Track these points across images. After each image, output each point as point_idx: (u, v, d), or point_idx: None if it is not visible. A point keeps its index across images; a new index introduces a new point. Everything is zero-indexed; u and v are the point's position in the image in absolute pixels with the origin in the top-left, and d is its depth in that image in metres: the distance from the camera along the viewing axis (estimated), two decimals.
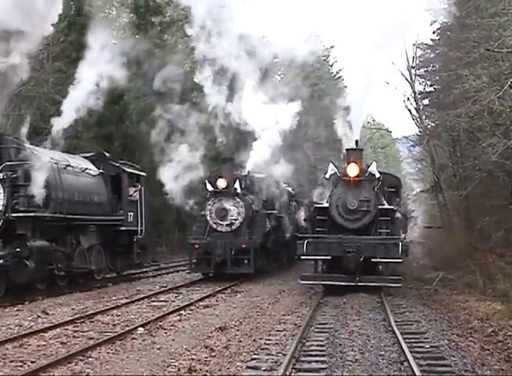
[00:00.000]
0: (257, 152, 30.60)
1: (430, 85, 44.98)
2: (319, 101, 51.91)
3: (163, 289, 25.42)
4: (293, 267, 34.52)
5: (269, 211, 32.20)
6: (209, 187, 29.72)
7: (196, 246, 29.05)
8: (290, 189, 37.20)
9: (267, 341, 14.96)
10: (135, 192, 29.62)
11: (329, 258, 23.97)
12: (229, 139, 33.45)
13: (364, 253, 23.38)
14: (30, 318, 17.75)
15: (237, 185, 29.70)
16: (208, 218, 29.46)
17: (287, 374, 11.87)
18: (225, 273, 28.34)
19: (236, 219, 29.49)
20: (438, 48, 40.93)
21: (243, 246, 28.73)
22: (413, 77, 46.63)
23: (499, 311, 18.89)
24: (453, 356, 13.48)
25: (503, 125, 26.19)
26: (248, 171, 31.74)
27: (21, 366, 12.29)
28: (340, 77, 59.73)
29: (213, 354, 13.61)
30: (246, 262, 28.82)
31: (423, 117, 46.06)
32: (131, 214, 29.18)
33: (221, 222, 29.45)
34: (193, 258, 29.54)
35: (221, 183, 29.63)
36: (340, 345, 14.57)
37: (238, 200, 29.70)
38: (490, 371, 12.26)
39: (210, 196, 29.75)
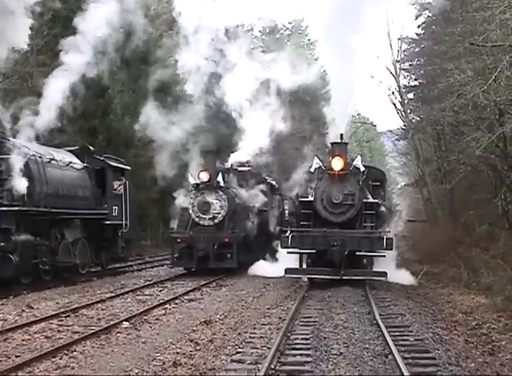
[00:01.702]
0: (243, 143, 30.46)
1: (415, 79, 45.09)
2: (304, 95, 51.90)
3: (147, 283, 25.39)
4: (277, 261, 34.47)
5: (253, 205, 31.89)
6: (191, 180, 29.43)
7: (179, 240, 28.76)
8: (273, 182, 37.05)
9: (252, 335, 14.98)
10: (119, 186, 29.51)
11: (314, 251, 24.08)
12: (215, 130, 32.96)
13: (348, 247, 23.48)
14: (14, 312, 17.69)
15: (220, 178, 29.36)
16: (191, 211, 29.10)
17: (272, 367, 11.88)
18: (208, 268, 28.02)
19: (218, 213, 29.14)
20: (422, 42, 40.99)
21: (226, 240, 28.45)
22: (398, 71, 46.69)
23: (483, 304, 19.00)
24: (437, 349, 13.54)
25: (488, 119, 26.28)
26: (231, 164, 31.61)
27: (5, 360, 12.24)
28: (325, 70, 59.76)
29: (198, 348, 13.60)
30: (228, 256, 28.58)
31: (408, 111, 46.10)
32: (116, 208, 29.10)
33: (204, 216, 29.08)
34: (175, 252, 29.20)
35: (204, 176, 29.23)
36: (324, 338, 14.62)
37: (221, 193, 29.36)
38: (474, 364, 12.31)
39: (192, 189, 29.46)
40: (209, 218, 29.12)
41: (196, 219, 29.12)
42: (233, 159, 31.51)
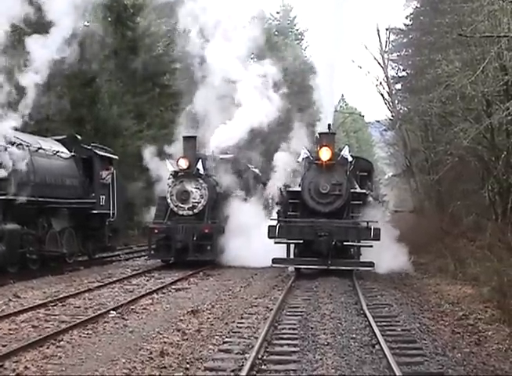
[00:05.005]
0: (226, 128, 29.79)
1: (403, 70, 45.09)
2: (292, 84, 51.87)
3: (135, 272, 25.33)
4: None
5: (235, 194, 30.84)
6: (170, 167, 28.26)
7: (156, 231, 27.57)
8: (256, 170, 36.53)
9: (239, 325, 15.01)
10: (107, 175, 29.40)
11: (302, 241, 24.11)
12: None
13: (336, 237, 23.50)
14: (1, 302, 17.65)
15: (200, 165, 28.07)
16: (169, 200, 27.95)
17: (259, 357, 11.91)
18: (186, 260, 26.93)
19: (198, 202, 27.96)
20: (410, 32, 40.96)
21: (206, 231, 27.29)
22: (386, 61, 46.77)
23: (470, 295, 19.07)
24: (424, 339, 13.61)
25: (475, 110, 26.37)
26: (212, 151, 30.43)
27: None
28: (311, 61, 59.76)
29: (185, 337, 13.63)
30: (208, 248, 27.42)
31: (396, 101, 46.20)
32: (103, 197, 29.01)
33: (183, 205, 27.93)
34: (153, 243, 27.96)
35: (183, 164, 27.92)
36: (312, 328, 14.65)
37: (201, 181, 28.13)
38: (460, 354, 12.37)
39: (170, 177, 28.29)
40: (188, 208, 27.99)
41: (175, 209, 28.00)
42: (214, 144, 30.31)
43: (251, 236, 26.84)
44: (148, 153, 30.16)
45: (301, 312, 16.72)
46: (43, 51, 23.85)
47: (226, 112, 30.36)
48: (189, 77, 31.46)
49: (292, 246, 24.56)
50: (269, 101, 30.80)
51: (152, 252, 28.24)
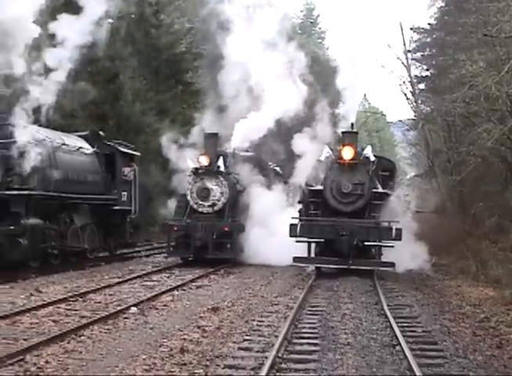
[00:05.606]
0: (247, 125, 29.36)
1: (427, 70, 44.93)
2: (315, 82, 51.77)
3: (155, 269, 25.39)
4: None
5: (255, 192, 30.16)
6: (190, 164, 28.06)
7: (175, 228, 27.42)
8: (278, 168, 36.39)
9: (259, 323, 14.98)
10: (129, 172, 29.45)
11: (323, 240, 24.07)
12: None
13: (357, 236, 23.46)
14: (22, 296, 17.72)
15: (221, 163, 27.95)
16: (189, 198, 27.70)
17: (279, 355, 11.88)
18: (206, 258, 26.68)
19: (218, 200, 27.69)
20: (434, 32, 40.84)
21: (226, 229, 27.08)
22: (409, 61, 46.53)
23: (492, 297, 18.98)
24: (445, 341, 13.54)
25: (499, 111, 26.24)
26: (233, 148, 30.14)
27: (13, 343, 12.26)
28: (335, 59, 59.68)
29: (205, 334, 13.61)
30: (228, 246, 27.26)
31: (419, 101, 45.98)
32: (125, 193, 29.09)
33: (203, 203, 27.66)
34: (172, 241, 27.94)
35: (204, 161, 27.66)
36: (332, 327, 14.61)
37: (221, 179, 27.89)
38: (482, 357, 12.29)
39: (191, 174, 28.04)
40: (208, 205, 27.73)
41: (195, 206, 27.74)
42: (237, 139, 29.75)
43: (272, 235, 26.78)
44: (166, 140, 30.18)
45: (322, 311, 16.70)
46: (71, 33, 23.81)
47: (251, 99, 30.04)
48: (213, 57, 31.18)
49: (313, 245, 24.54)
50: (296, 88, 30.48)
51: (171, 249, 28.16)
